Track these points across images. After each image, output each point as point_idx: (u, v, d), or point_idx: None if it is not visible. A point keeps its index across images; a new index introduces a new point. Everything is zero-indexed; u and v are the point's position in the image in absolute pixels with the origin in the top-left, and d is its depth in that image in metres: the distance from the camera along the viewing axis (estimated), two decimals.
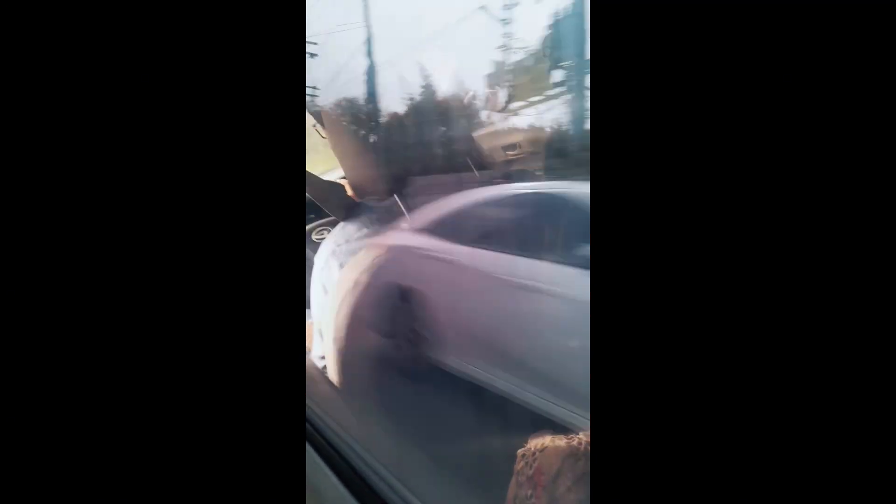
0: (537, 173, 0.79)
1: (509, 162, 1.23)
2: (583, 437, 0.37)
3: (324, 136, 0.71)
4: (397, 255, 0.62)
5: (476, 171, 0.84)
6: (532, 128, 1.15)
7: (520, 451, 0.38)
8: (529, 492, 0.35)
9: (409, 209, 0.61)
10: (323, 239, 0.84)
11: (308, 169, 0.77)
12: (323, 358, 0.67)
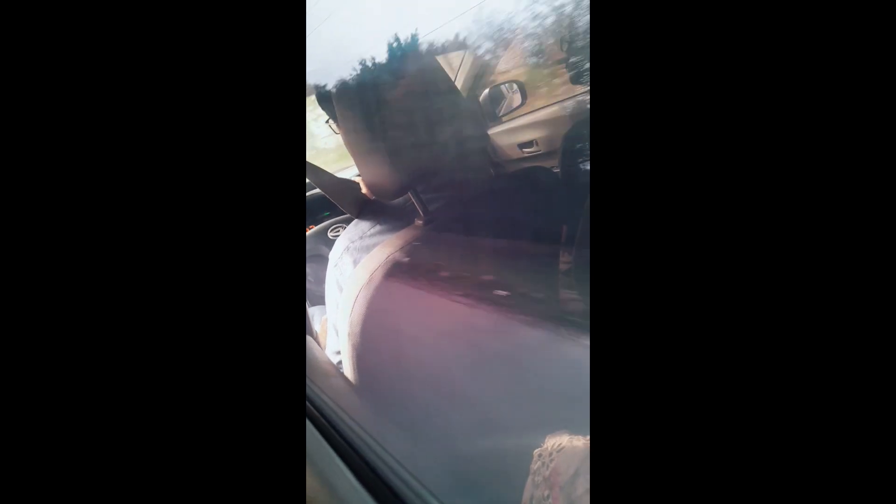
0: (554, 170, 0.77)
1: (525, 159, 1.22)
2: None
3: (337, 132, 0.70)
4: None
5: (492, 169, 0.83)
6: (550, 125, 1.13)
7: (536, 451, 0.37)
8: (546, 492, 0.35)
9: (424, 206, 0.60)
10: (338, 236, 0.85)
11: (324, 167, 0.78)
12: (338, 353, 0.67)
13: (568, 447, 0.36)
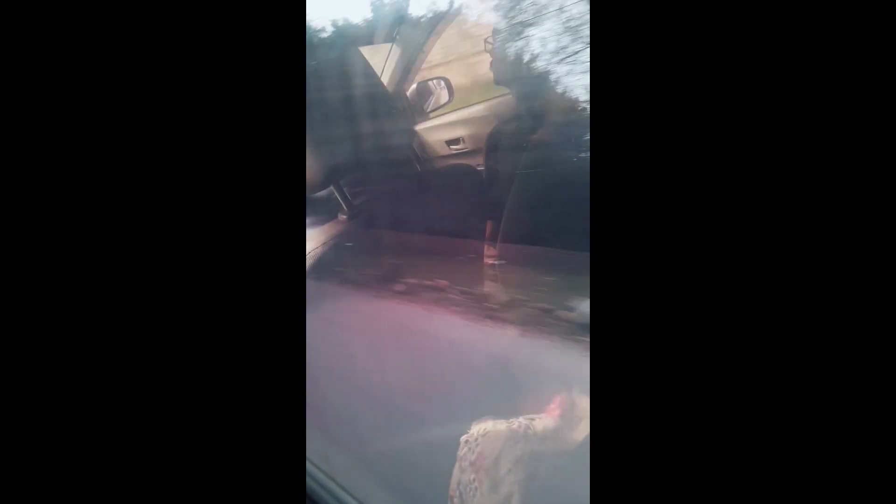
0: (479, 168, 0.80)
1: (453, 156, 1.24)
2: (522, 421, 0.38)
3: None
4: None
5: (418, 165, 0.83)
6: (476, 123, 1.16)
7: (463, 438, 0.39)
8: (472, 476, 0.36)
9: (349, 201, 0.58)
10: None
11: None
12: None
13: (492, 432, 0.38)
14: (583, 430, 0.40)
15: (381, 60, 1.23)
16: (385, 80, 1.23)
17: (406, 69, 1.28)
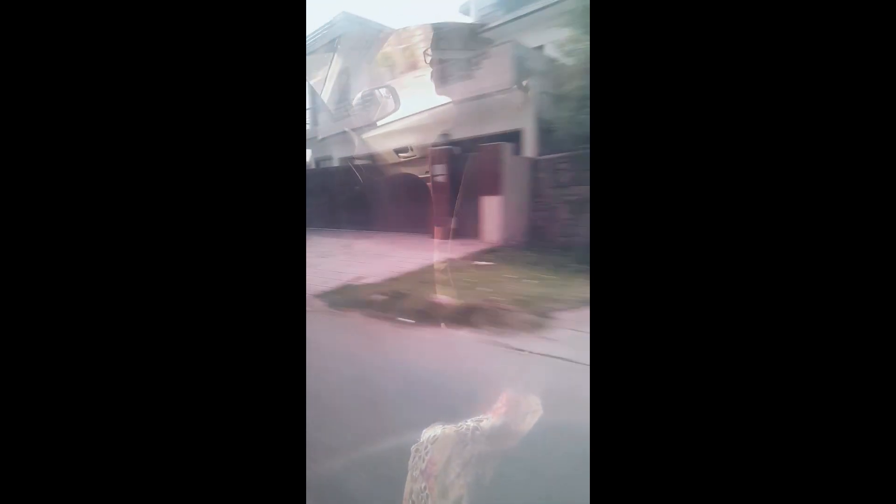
0: (423, 175, 0.81)
1: (402, 164, 1.25)
2: (470, 423, 0.39)
3: None
4: None
5: (359, 176, 0.83)
6: (422, 131, 1.18)
7: (413, 447, 0.39)
8: (423, 484, 0.36)
9: None
10: None
11: None
12: None
13: (441, 437, 0.39)
14: (528, 424, 0.41)
15: (324, 71, 1.21)
16: (328, 88, 1.21)
17: (350, 78, 1.27)
